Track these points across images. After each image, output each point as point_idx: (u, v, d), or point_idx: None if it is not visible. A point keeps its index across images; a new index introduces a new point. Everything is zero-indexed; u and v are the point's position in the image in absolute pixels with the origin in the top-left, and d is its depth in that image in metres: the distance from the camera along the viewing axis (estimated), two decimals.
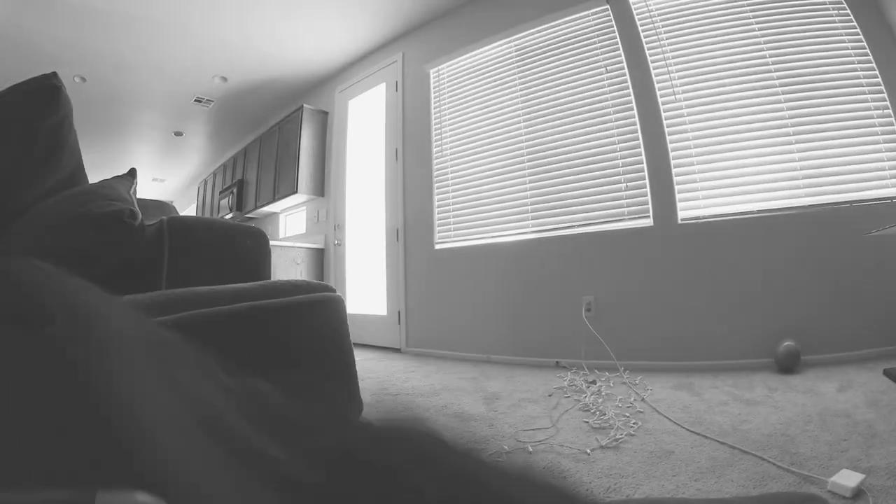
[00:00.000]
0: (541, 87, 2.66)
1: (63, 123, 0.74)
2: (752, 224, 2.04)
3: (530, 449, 1.20)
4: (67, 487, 0.20)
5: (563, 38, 2.62)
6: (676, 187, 2.17)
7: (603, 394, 1.69)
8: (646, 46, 2.33)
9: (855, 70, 2.01)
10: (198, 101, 4.33)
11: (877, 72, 1.97)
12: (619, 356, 2.13)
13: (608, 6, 2.45)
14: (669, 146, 2.21)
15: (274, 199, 4.19)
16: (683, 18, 2.29)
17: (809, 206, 1.98)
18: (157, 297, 0.72)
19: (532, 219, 2.60)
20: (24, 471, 0.20)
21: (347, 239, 3.67)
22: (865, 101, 1.98)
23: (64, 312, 0.25)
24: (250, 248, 1.07)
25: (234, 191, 4.88)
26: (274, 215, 4.77)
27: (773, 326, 1.94)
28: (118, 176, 1.01)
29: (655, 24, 2.34)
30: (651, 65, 2.30)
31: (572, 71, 2.56)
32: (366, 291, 3.46)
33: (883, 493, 0.82)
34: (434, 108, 3.13)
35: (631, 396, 1.63)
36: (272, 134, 4.35)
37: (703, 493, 0.90)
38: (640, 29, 2.35)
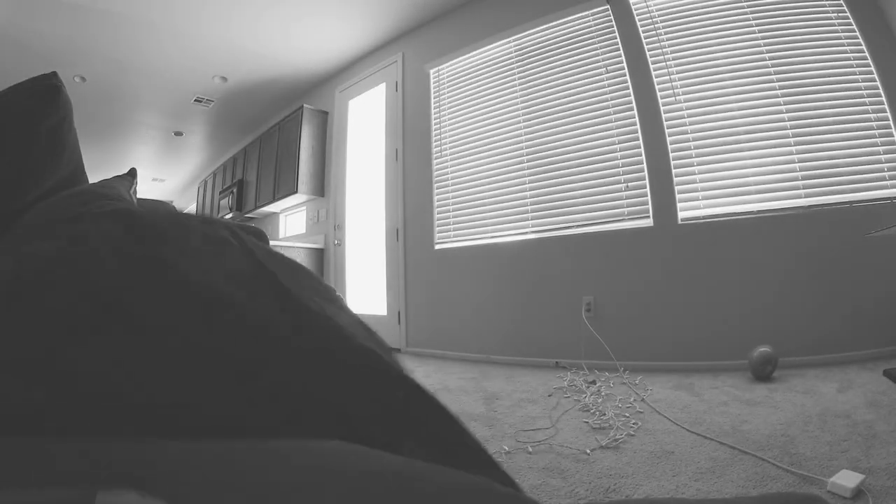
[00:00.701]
0: (541, 87, 2.66)
1: (63, 123, 0.74)
2: (752, 224, 2.04)
3: (530, 449, 1.20)
4: (67, 486, 0.20)
5: (563, 38, 2.62)
6: (676, 187, 2.17)
7: (603, 394, 1.69)
8: (646, 47, 2.33)
9: (853, 71, 2.01)
10: (198, 101, 4.33)
11: (874, 73, 1.97)
12: (618, 356, 2.13)
13: (608, 6, 2.45)
14: (669, 146, 2.21)
15: (274, 199, 4.19)
16: (683, 19, 2.29)
17: (809, 206, 1.98)
18: None
19: (532, 219, 2.60)
20: (25, 470, 0.20)
21: (347, 239, 3.67)
22: (863, 101, 1.98)
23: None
24: None
25: (234, 191, 4.88)
26: (274, 215, 4.77)
27: (773, 326, 1.94)
28: (118, 176, 1.01)
29: (655, 25, 2.34)
30: (651, 65, 2.30)
31: (572, 71, 2.56)
32: (366, 291, 3.46)
33: (883, 493, 0.82)
34: (434, 108, 3.13)
35: (631, 396, 1.63)
36: (272, 134, 4.35)
37: (703, 493, 0.90)
38: (640, 29, 2.36)
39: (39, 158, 0.70)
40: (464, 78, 3.01)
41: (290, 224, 4.64)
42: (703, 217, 2.13)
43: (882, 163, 1.93)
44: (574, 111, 2.52)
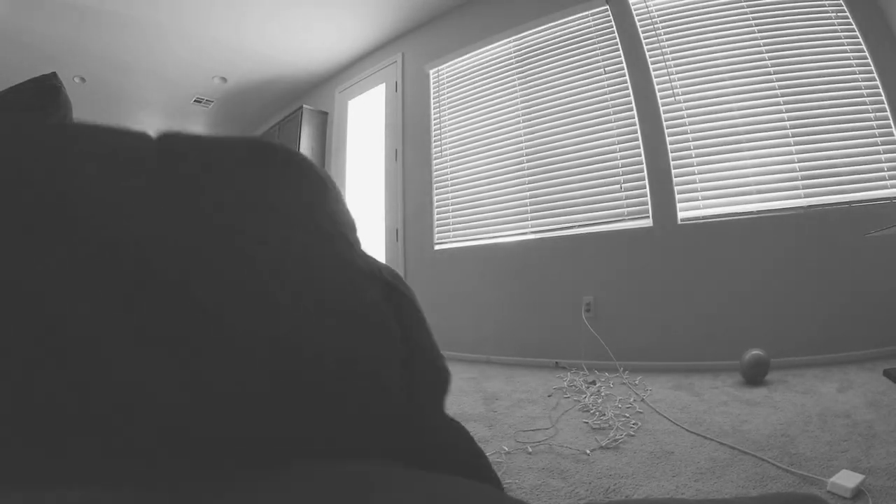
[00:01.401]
0: (540, 87, 2.66)
1: None
2: (752, 224, 2.04)
3: (530, 449, 1.20)
4: (77, 486, 0.20)
5: (562, 38, 2.63)
6: (676, 188, 2.17)
7: (602, 394, 1.69)
8: (645, 47, 2.33)
9: (853, 71, 2.01)
10: (198, 101, 4.32)
11: (874, 73, 1.97)
12: (618, 356, 2.12)
13: (608, 6, 2.45)
14: (669, 146, 2.21)
15: None
16: (683, 19, 2.29)
17: (808, 206, 1.98)
18: None
19: (531, 219, 2.60)
20: (29, 469, 0.20)
21: None
22: (863, 101, 1.98)
23: None
24: None
25: None
26: None
27: (772, 326, 1.94)
28: None
29: (655, 25, 2.34)
30: (651, 65, 2.30)
31: (572, 71, 2.56)
32: None
33: (883, 493, 0.82)
34: (434, 109, 3.13)
35: (631, 397, 1.63)
36: (272, 134, 4.35)
37: (702, 493, 0.90)
38: (639, 29, 2.36)
39: None
40: (463, 78, 3.01)
41: None
42: (703, 217, 2.13)
43: (882, 163, 1.93)
44: (574, 111, 2.52)
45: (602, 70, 2.45)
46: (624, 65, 2.37)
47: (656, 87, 2.27)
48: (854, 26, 2.03)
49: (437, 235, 2.99)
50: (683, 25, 2.29)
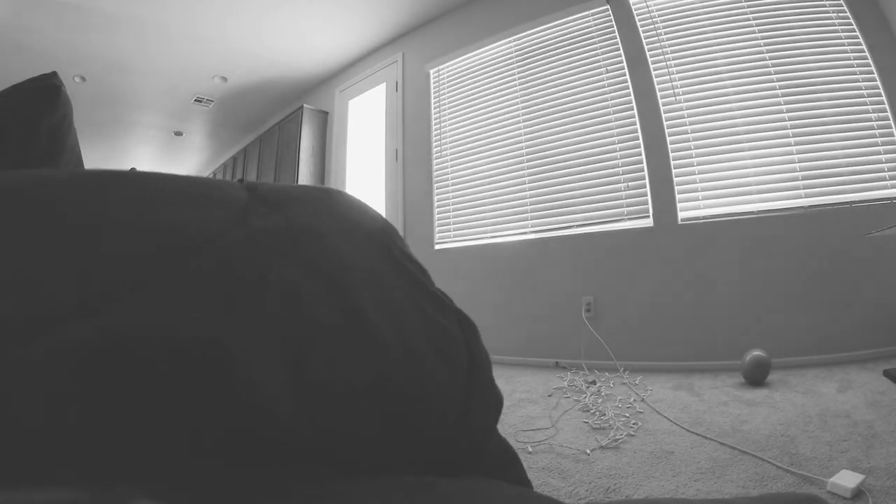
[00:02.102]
0: (541, 87, 2.66)
1: (63, 123, 0.74)
2: (752, 224, 2.04)
3: (530, 449, 1.20)
4: (69, 487, 0.20)
5: (563, 38, 2.62)
6: (676, 188, 2.17)
7: (603, 394, 1.69)
8: (646, 47, 2.33)
9: (853, 71, 2.01)
10: (198, 100, 4.32)
11: (875, 73, 1.97)
12: (618, 356, 2.12)
13: (608, 6, 2.45)
14: (669, 146, 2.21)
15: None
16: (683, 19, 2.29)
17: (809, 206, 1.98)
18: None
19: (532, 219, 2.60)
20: (26, 470, 0.20)
21: None
22: (864, 101, 1.98)
23: None
24: None
25: None
26: None
27: (772, 326, 1.94)
28: None
29: (656, 25, 2.34)
30: (651, 65, 2.30)
31: (572, 71, 2.56)
32: None
33: (883, 493, 0.82)
34: (434, 108, 3.13)
35: (631, 397, 1.63)
36: (272, 134, 4.35)
37: (703, 493, 0.90)
38: (640, 29, 2.35)
39: (39, 159, 0.70)
40: (464, 78, 3.01)
41: None
42: (704, 217, 2.13)
43: (882, 163, 1.93)
44: (574, 111, 2.52)
45: (603, 70, 2.45)
46: (624, 64, 2.37)
47: (657, 87, 2.27)
48: (854, 26, 2.03)
49: (437, 235, 2.99)
50: (684, 25, 2.29)
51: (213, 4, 2.96)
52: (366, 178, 3.58)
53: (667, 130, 2.22)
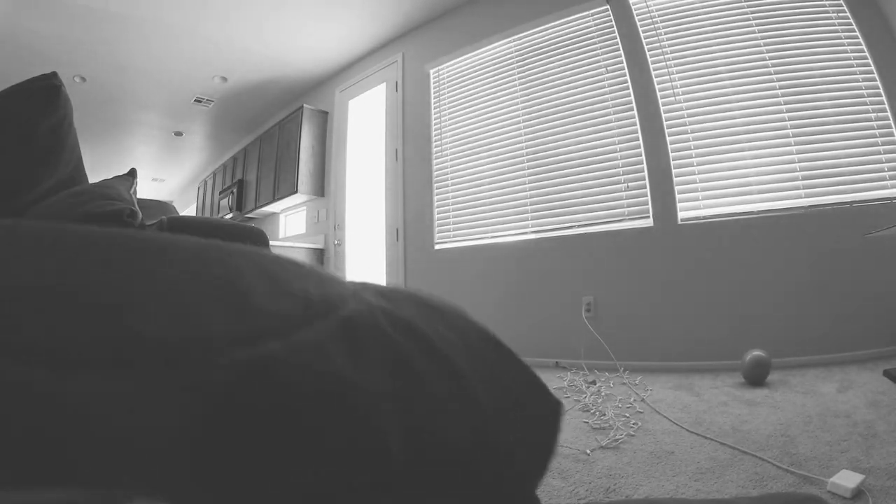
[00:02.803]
0: (541, 87, 2.66)
1: (63, 123, 0.74)
2: (752, 224, 2.04)
3: None
4: (66, 488, 0.20)
5: (563, 38, 2.62)
6: (676, 188, 2.17)
7: (603, 394, 1.69)
8: (646, 47, 2.33)
9: (853, 71, 2.01)
10: (198, 101, 4.32)
11: (874, 73, 1.97)
12: (618, 356, 2.12)
13: (608, 6, 2.45)
14: (669, 146, 2.21)
15: (274, 200, 4.19)
16: (683, 19, 2.29)
17: (809, 206, 1.98)
18: None
19: (532, 219, 2.60)
20: (25, 470, 0.20)
21: (347, 239, 3.67)
22: (864, 101, 1.98)
23: None
24: None
25: (234, 191, 4.88)
26: (274, 215, 4.77)
27: (772, 326, 1.94)
28: (118, 176, 1.01)
29: (655, 25, 2.34)
30: (651, 65, 2.30)
31: (572, 71, 2.56)
32: None
33: (883, 493, 0.82)
34: (434, 108, 3.13)
35: (631, 397, 1.63)
36: (272, 134, 4.35)
37: (703, 493, 0.90)
38: (640, 29, 2.36)
39: (39, 158, 0.70)
40: (464, 78, 3.01)
41: (290, 224, 4.64)
42: (704, 217, 2.13)
43: (882, 163, 1.93)
44: (574, 111, 2.52)
45: (603, 70, 2.45)
46: (624, 64, 2.37)
47: (657, 87, 2.27)
48: (854, 26, 2.03)
49: (437, 235, 2.99)
50: (684, 25, 2.29)
51: (215, 5, 2.96)
52: (366, 178, 3.58)
53: (667, 130, 2.22)
